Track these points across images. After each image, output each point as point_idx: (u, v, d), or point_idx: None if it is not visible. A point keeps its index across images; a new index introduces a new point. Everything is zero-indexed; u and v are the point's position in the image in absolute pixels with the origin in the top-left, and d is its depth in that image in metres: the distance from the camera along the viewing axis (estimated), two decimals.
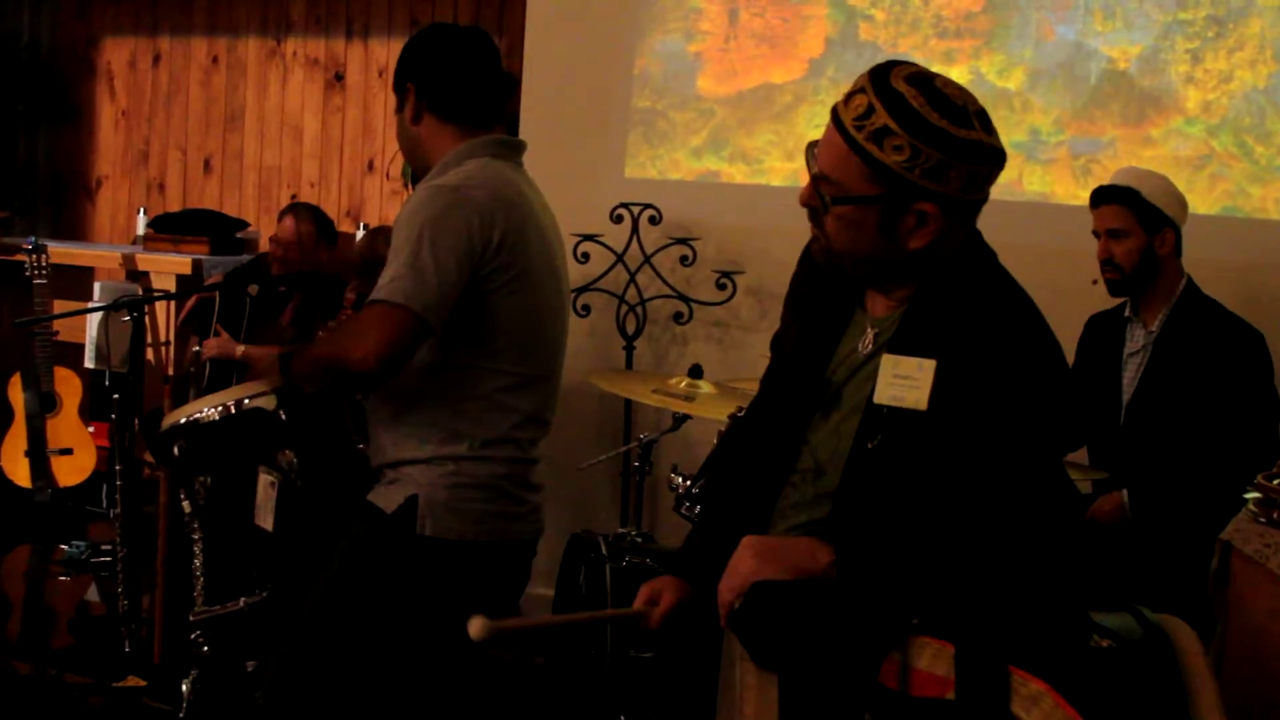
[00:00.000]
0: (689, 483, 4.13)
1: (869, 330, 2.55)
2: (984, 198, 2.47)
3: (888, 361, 2.45)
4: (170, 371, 7.71)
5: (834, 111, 2.46)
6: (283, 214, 6.56)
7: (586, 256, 5.68)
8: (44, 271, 7.13)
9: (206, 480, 3.54)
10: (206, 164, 8.97)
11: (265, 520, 3.38)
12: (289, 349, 3.40)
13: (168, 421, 3.61)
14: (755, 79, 5.68)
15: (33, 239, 7.27)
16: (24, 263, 7.18)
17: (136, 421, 7.57)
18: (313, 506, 3.48)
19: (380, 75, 8.48)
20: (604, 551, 4.23)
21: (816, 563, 2.36)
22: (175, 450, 3.54)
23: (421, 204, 3.20)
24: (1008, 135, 5.32)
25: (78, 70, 9.28)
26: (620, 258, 5.70)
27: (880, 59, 5.47)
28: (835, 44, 5.58)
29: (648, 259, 5.67)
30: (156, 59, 9.08)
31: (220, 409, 3.48)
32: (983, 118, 2.44)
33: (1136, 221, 4.36)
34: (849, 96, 2.44)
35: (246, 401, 3.48)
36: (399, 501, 3.25)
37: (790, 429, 2.61)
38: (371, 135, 8.53)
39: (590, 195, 5.82)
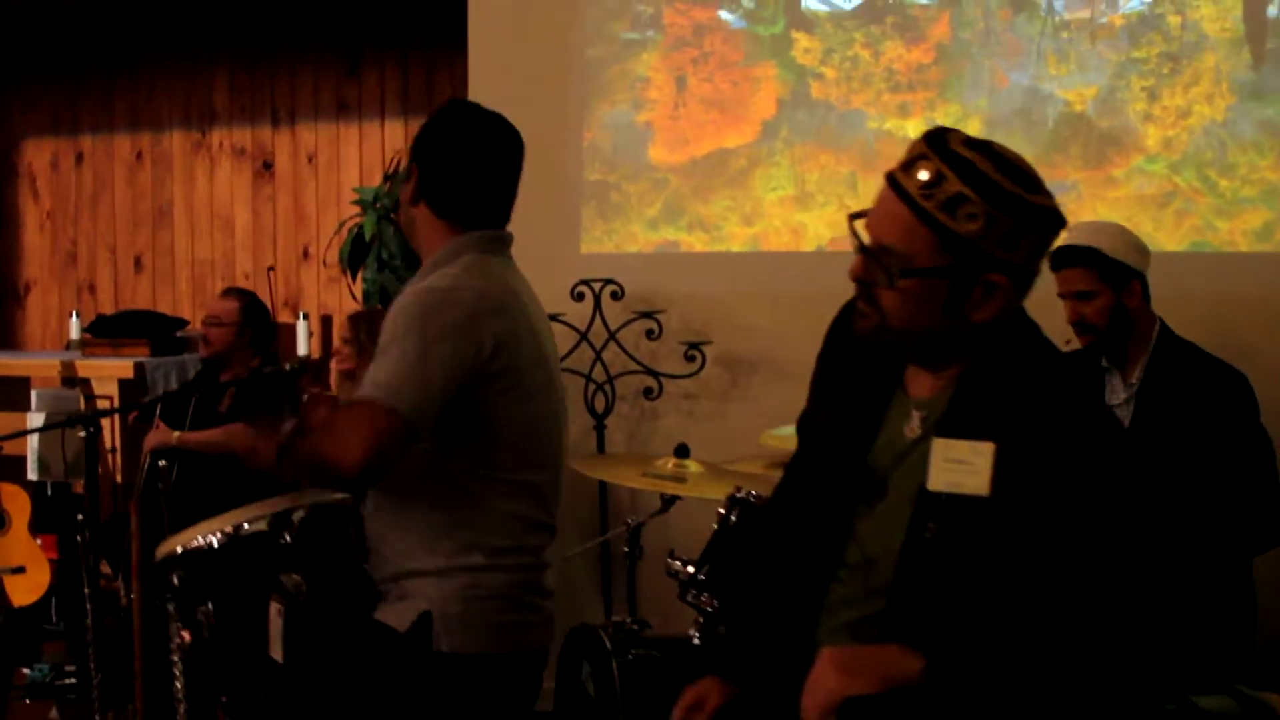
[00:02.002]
0: (692, 569, 4.02)
1: (914, 413, 2.44)
2: (1040, 268, 2.39)
3: (940, 446, 2.34)
4: (119, 479, 7.54)
5: (892, 180, 2.35)
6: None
7: None
8: None
9: (209, 609, 3.38)
10: (137, 262, 8.80)
11: (277, 650, 3.23)
12: (282, 444, 3.25)
13: (164, 550, 3.45)
14: (708, 145, 5.61)
15: None
16: None
17: (84, 535, 7.50)
18: (322, 629, 3.34)
19: (310, 161, 8.37)
20: (608, 645, 4.09)
21: (907, 671, 2.24)
22: (174, 580, 3.38)
23: (409, 306, 3.08)
24: None
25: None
26: (584, 336, 5.59)
27: (834, 117, 5.49)
28: (787, 104, 5.51)
29: (612, 335, 5.57)
30: (79, 158, 8.91)
31: (220, 535, 3.33)
32: (1042, 182, 2.36)
33: (1101, 280, 4.28)
34: (909, 164, 2.33)
35: (246, 526, 3.33)
36: (411, 618, 3.11)
37: (833, 520, 2.50)
38: (305, 222, 8.40)
39: (548, 274, 5.66)
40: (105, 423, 7.42)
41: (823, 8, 5.45)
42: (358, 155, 8.28)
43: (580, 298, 5.57)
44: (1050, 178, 5.23)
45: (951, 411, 2.37)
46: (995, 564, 2.27)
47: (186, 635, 3.42)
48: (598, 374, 5.60)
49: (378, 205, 7.61)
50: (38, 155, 9.02)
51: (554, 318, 5.52)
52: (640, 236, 5.71)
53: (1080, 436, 2.27)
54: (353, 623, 3.34)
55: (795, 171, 5.49)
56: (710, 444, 5.15)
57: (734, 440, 5.26)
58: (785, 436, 4.22)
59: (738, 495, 4.04)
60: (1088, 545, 2.25)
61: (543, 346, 3.28)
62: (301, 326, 8.17)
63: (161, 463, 5.29)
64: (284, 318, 8.19)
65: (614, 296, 5.55)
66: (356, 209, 7.80)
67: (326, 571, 3.37)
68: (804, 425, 2.74)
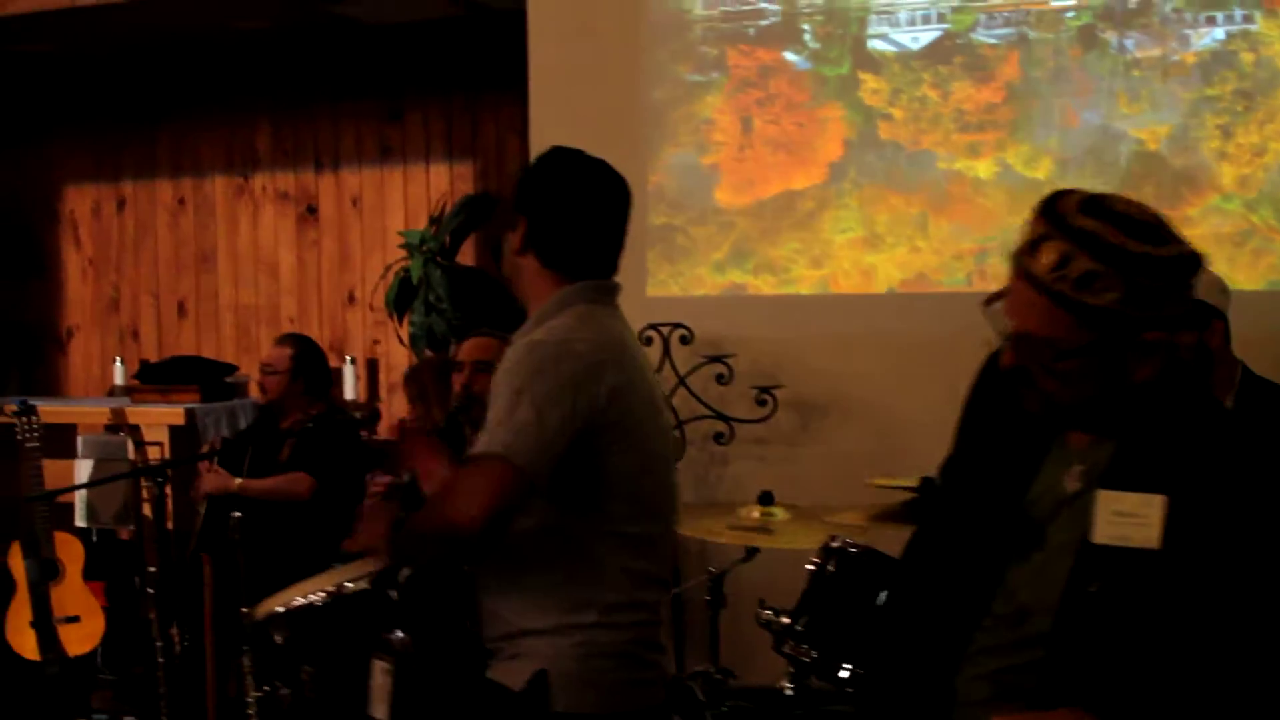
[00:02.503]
0: (787, 619, 3.96)
1: (1074, 465, 2.40)
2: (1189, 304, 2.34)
3: (1105, 499, 2.30)
4: (170, 525, 7.49)
5: (1019, 267, 2.31)
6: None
7: None
8: (35, 434, 6.89)
9: (309, 669, 3.32)
10: (180, 307, 8.76)
11: (380, 710, 3.17)
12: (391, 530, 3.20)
13: (265, 609, 3.40)
14: (774, 187, 5.58)
15: (20, 400, 7.03)
16: (11, 425, 6.97)
17: (136, 580, 7.44)
18: (429, 688, 3.29)
19: (354, 205, 8.33)
20: (700, 697, 4.03)
21: None
22: (278, 639, 3.32)
23: (520, 361, 3.03)
24: None
25: (40, 220, 9.07)
26: None
27: (902, 157, 5.45)
28: (855, 145, 5.48)
29: (682, 380, 5.53)
30: (121, 204, 8.89)
31: (325, 593, 3.27)
32: (1168, 224, 2.31)
33: None
34: (1032, 246, 2.29)
35: (348, 585, 3.28)
36: (526, 677, 3.06)
37: (983, 569, 2.45)
38: (350, 266, 8.36)
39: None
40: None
41: (889, 48, 5.43)
42: (402, 198, 8.24)
43: (649, 342, 5.53)
44: None
45: (1116, 464, 2.33)
46: (1162, 617, 2.22)
47: (286, 693, 3.36)
48: None
49: (424, 248, 7.59)
50: (79, 201, 9.00)
51: None
52: (707, 280, 5.68)
53: (1253, 488, 2.23)
54: (461, 682, 3.29)
55: (864, 213, 5.46)
56: (783, 489, 5.07)
57: (807, 485, 5.20)
58: (890, 482, 4.17)
59: (834, 545, 3.98)
60: (1262, 597, 2.20)
61: (653, 396, 3.24)
62: (348, 370, 8.13)
63: (236, 514, 5.24)
64: (330, 362, 8.15)
65: (683, 341, 5.51)
66: (402, 252, 7.78)
67: (434, 630, 3.31)
68: (950, 472, 2.68)
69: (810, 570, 4.08)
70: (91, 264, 8.99)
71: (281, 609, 3.34)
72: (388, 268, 7.79)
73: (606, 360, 3.07)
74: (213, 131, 8.62)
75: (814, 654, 3.95)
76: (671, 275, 5.72)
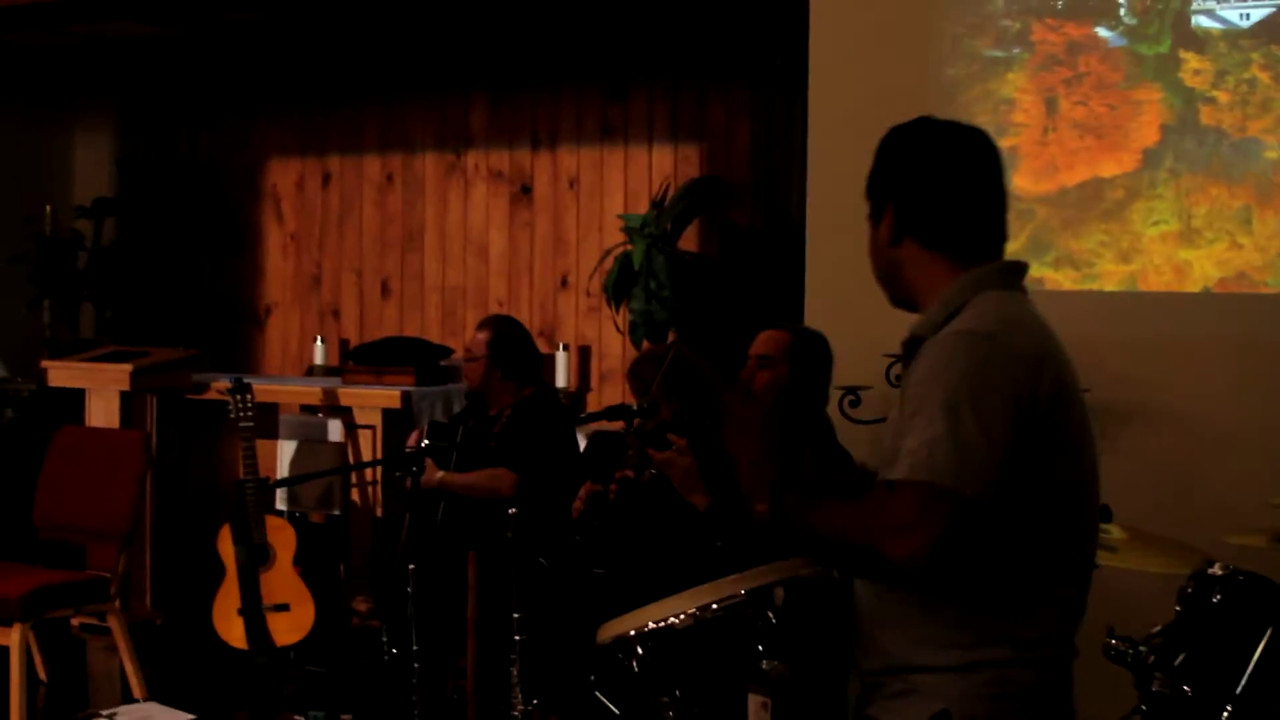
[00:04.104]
0: (1143, 649, 3.52)
1: None
2: None
3: None
4: (379, 514, 7.20)
5: None
6: None
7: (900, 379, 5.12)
8: (249, 413, 6.60)
9: (667, 700, 2.90)
10: (384, 287, 8.48)
11: None
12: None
13: (617, 630, 2.97)
14: (1080, 174, 5.12)
15: (235, 378, 6.75)
16: (224, 403, 6.70)
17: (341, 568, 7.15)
18: None
19: (571, 186, 8.00)
20: None
21: None
22: (634, 664, 2.91)
23: (951, 357, 2.59)
24: None
25: (242, 194, 8.82)
26: None
27: (1226, 145, 4.96)
28: (1173, 131, 5.02)
29: None
30: (326, 179, 8.63)
31: (693, 613, 2.86)
32: None
33: None
34: None
35: (715, 606, 2.86)
36: (920, 717, 2.65)
37: None
38: (564, 249, 8.03)
39: (895, 310, 5.27)
40: (365, 450, 7.15)
41: (1216, 25, 4.96)
42: (622, 181, 7.90)
43: None
44: None
45: None
46: None
47: None
48: None
49: (645, 233, 7.24)
50: (283, 176, 8.76)
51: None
52: None
53: None
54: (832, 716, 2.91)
55: (1180, 205, 5.00)
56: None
57: (1111, 500, 4.77)
58: None
59: (1210, 571, 3.54)
60: None
61: (1080, 395, 2.81)
62: (561, 358, 7.80)
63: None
64: (540, 348, 7.82)
65: None
66: (619, 236, 7.44)
67: (814, 661, 2.91)
68: None
69: (1188, 596, 3.65)
70: (293, 240, 8.75)
71: (633, 631, 2.92)
72: (607, 252, 7.45)
73: (1044, 356, 2.66)
74: (424, 106, 8.36)
75: (1188, 690, 3.54)
76: None
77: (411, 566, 4.65)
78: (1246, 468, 4.76)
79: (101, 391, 7.23)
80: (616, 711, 2.96)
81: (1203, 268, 4.98)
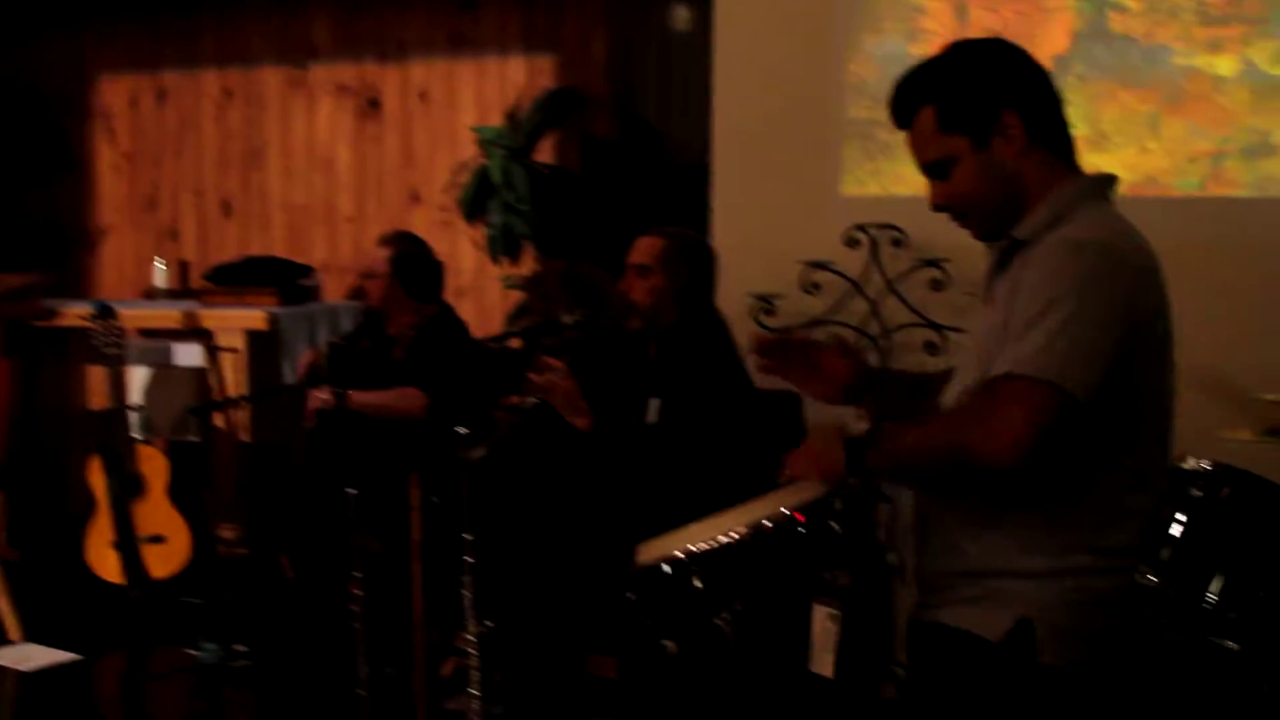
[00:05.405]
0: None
1: None
2: None
3: None
4: (242, 437, 6.99)
5: None
6: None
7: (816, 286, 5.13)
8: (117, 340, 6.33)
9: (728, 615, 2.85)
10: (226, 206, 8.22)
11: (824, 664, 2.74)
12: (861, 434, 2.75)
13: (663, 551, 2.90)
14: None
15: (98, 303, 6.46)
16: (71, 330, 6.44)
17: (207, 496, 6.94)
18: (883, 639, 2.87)
19: (421, 99, 7.81)
20: None
21: None
22: (696, 582, 2.84)
23: (1064, 262, 2.58)
24: None
25: (71, 114, 8.44)
26: (857, 286, 5.14)
27: (1136, 52, 5.05)
28: (1083, 38, 5.08)
29: (891, 285, 5.12)
30: (161, 96, 8.30)
31: (742, 530, 2.80)
32: None
33: None
34: None
35: (766, 523, 2.80)
36: (1000, 623, 2.65)
37: None
38: (414, 164, 7.87)
39: (804, 217, 5.27)
40: (229, 374, 6.94)
41: None
42: (475, 93, 7.75)
43: (855, 244, 5.13)
44: None
45: None
46: None
47: (671, 646, 2.90)
48: (873, 328, 5.16)
49: (501, 145, 7.12)
50: (114, 94, 8.41)
51: (821, 265, 5.12)
52: (910, 178, 5.14)
53: None
54: (888, 626, 2.90)
55: (1090, 110, 5.06)
56: None
57: None
58: None
59: (1186, 466, 3.60)
60: None
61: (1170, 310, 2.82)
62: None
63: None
64: None
65: (895, 244, 5.11)
66: (471, 151, 7.31)
67: (880, 568, 2.89)
68: None
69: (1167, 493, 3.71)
70: (127, 160, 8.43)
71: (682, 553, 2.85)
72: (461, 166, 7.30)
73: (1152, 269, 2.68)
74: (264, 17, 8.05)
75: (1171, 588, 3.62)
76: (870, 173, 5.31)
77: (352, 491, 4.51)
78: None
79: None
80: (660, 633, 2.89)
81: (1112, 172, 5.05)
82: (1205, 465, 3.63)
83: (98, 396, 6.40)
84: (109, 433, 6.35)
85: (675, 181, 6.74)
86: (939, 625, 2.75)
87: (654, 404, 4.36)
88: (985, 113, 2.74)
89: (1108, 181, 2.83)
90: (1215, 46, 4.97)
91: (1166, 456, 2.78)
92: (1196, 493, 3.64)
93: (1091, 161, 4.76)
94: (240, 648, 5.83)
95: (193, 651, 5.88)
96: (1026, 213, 2.74)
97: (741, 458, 3.92)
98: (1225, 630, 3.56)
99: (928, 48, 5.21)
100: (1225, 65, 4.95)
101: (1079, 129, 5.05)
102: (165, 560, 6.38)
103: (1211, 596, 3.60)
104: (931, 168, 2.81)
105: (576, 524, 4.52)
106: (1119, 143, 5.05)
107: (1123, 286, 2.57)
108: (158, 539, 6.36)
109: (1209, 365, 4.80)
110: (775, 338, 3.18)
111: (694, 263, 4.55)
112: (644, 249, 4.54)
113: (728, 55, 5.49)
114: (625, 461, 4.34)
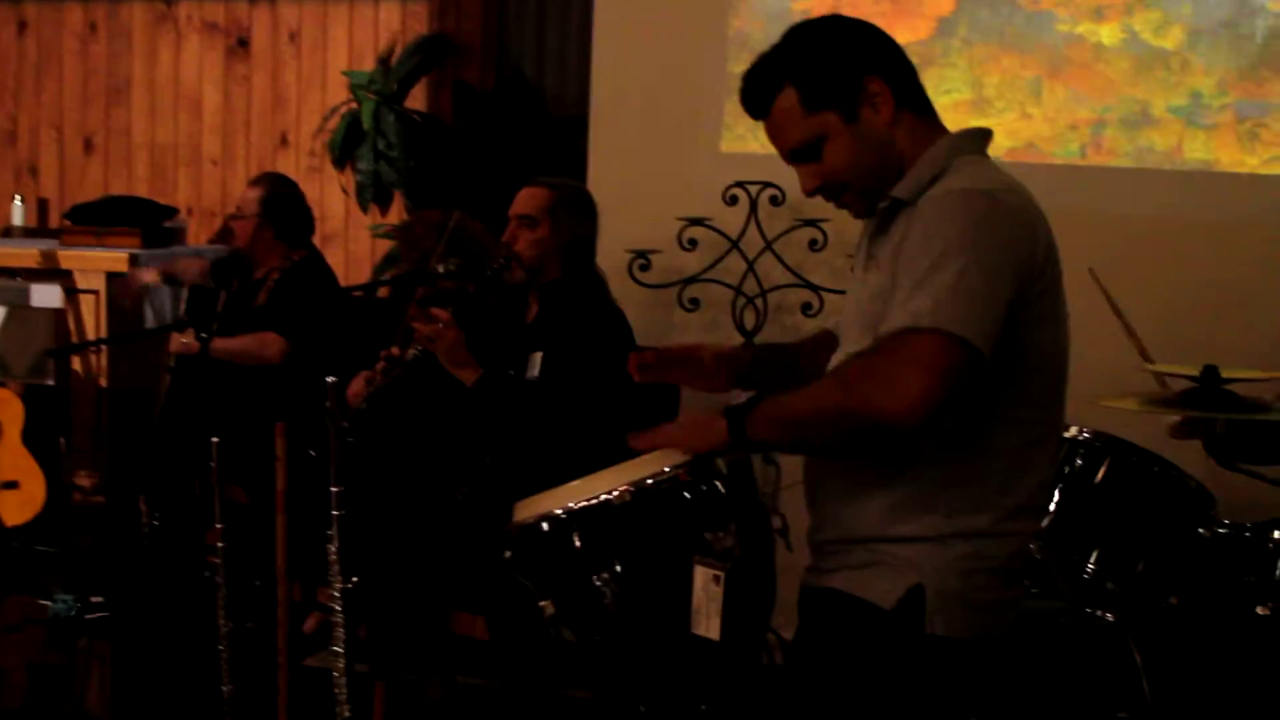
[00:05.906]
0: None
1: None
2: None
3: None
4: (104, 383, 6.83)
5: None
6: None
7: (694, 243, 5.08)
8: None
9: (607, 575, 2.79)
10: (87, 143, 8.00)
11: (708, 626, 2.68)
12: (740, 401, 2.70)
13: (540, 509, 2.83)
14: None
15: None
16: None
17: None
18: (764, 602, 2.83)
19: (292, 40, 7.66)
20: None
21: None
22: (576, 541, 2.78)
23: (952, 213, 2.50)
24: (1165, 98, 4.95)
25: None
26: (735, 244, 5.10)
27: (1020, 17, 5.05)
28: (968, 1, 5.06)
29: (769, 245, 5.09)
30: (21, 27, 8.06)
31: (625, 488, 2.73)
32: None
33: None
34: None
35: (649, 481, 2.74)
36: (890, 591, 2.60)
37: None
38: (284, 107, 7.71)
39: (684, 173, 5.22)
40: (88, 317, 6.78)
41: None
42: (347, 36, 7.60)
43: (733, 201, 5.08)
44: (1254, 95, 4.95)
45: None
46: None
47: (549, 606, 2.84)
48: (749, 287, 5.12)
49: (373, 90, 7.00)
50: None
51: (699, 222, 5.07)
52: None
53: None
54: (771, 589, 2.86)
55: (973, 74, 5.06)
56: None
57: None
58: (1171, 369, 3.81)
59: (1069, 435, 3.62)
60: None
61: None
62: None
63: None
64: None
65: (773, 202, 5.07)
66: (343, 95, 7.18)
67: (762, 530, 2.84)
68: None
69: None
70: None
71: (561, 511, 2.79)
72: (332, 111, 7.16)
73: (1038, 219, 2.62)
74: None
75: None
76: (751, 130, 5.19)
77: (215, 440, 4.38)
78: None
79: None
80: (537, 592, 2.83)
81: (993, 137, 5.05)
82: (1086, 434, 3.69)
83: None
84: None
85: (551, 133, 6.66)
86: (832, 591, 2.68)
87: (536, 358, 4.29)
88: (849, 83, 2.66)
89: (982, 135, 2.77)
90: (1099, 15, 4.97)
91: (1062, 409, 2.73)
92: (1078, 462, 3.68)
93: (972, 125, 4.79)
94: (96, 599, 5.69)
95: (46, 602, 5.75)
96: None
97: (623, 415, 3.86)
98: (1102, 602, 3.62)
99: (811, 3, 5.20)
100: (1108, 34, 4.96)
101: (962, 93, 5.14)
102: (19, 507, 6.24)
103: (1090, 567, 3.65)
104: (800, 152, 2.71)
105: (453, 479, 4.44)
106: (1000, 107, 5.05)
107: (1013, 233, 2.51)
108: (11, 485, 6.22)
109: (1090, 333, 4.84)
110: (653, 356, 3.09)
111: (581, 216, 4.48)
112: (529, 200, 4.46)
113: (608, 6, 5.42)
114: (506, 416, 4.27)
